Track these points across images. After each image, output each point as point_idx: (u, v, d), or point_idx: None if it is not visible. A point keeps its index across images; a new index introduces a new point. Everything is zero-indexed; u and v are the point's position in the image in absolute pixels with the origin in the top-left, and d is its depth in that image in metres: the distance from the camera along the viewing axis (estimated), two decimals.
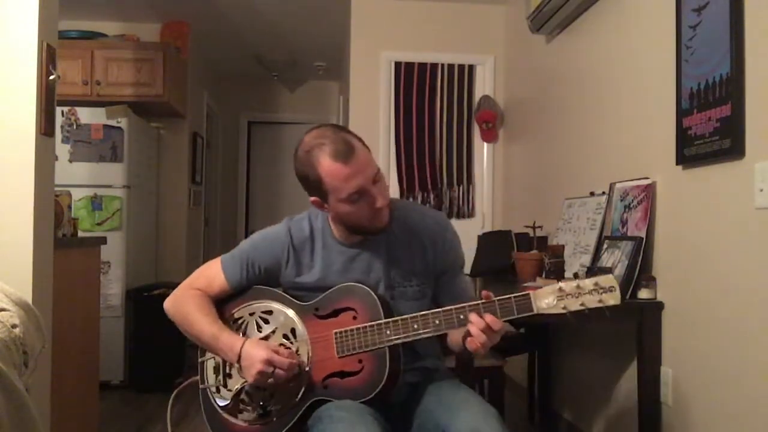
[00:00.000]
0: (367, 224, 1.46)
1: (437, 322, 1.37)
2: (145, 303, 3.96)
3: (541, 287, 1.33)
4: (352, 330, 1.42)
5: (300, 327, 1.48)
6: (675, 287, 2.16)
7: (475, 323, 1.31)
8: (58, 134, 3.59)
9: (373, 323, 1.41)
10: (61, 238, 2.54)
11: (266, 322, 1.52)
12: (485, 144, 4.24)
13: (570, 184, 3.04)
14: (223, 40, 5.16)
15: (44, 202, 2.27)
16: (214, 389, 1.55)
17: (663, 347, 2.20)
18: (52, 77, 2.27)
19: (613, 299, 1.27)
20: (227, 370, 1.53)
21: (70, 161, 3.90)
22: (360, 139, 1.44)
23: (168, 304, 1.61)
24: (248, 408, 1.49)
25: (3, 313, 1.53)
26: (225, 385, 1.53)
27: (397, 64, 4.17)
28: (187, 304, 1.56)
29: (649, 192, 2.27)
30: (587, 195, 2.75)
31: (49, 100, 2.27)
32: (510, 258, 2.94)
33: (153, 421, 3.30)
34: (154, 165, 4.64)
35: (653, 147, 2.31)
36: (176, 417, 3.36)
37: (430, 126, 4.20)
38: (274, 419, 1.46)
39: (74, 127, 3.92)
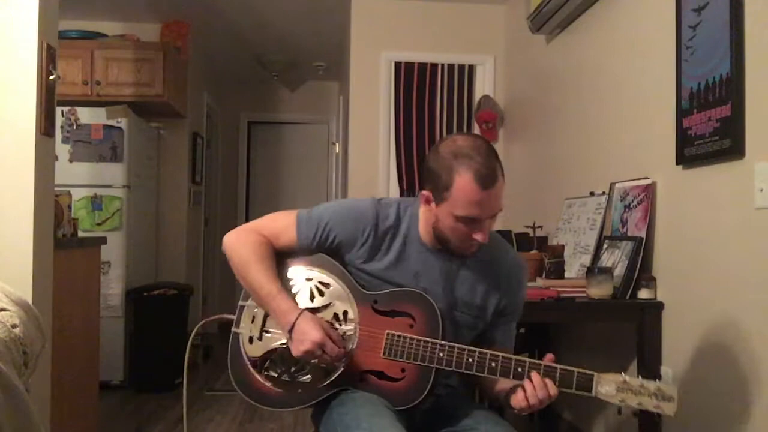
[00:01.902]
0: (455, 245, 1.43)
1: (493, 365, 1.34)
2: (145, 303, 3.96)
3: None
4: (406, 337, 1.39)
5: (353, 313, 1.45)
6: (675, 287, 2.16)
7: (535, 383, 1.29)
8: (58, 134, 3.60)
9: (429, 340, 1.38)
10: (61, 238, 2.54)
11: (321, 294, 1.47)
12: None
13: (570, 184, 3.04)
14: (223, 40, 5.16)
15: (44, 202, 2.27)
16: (246, 339, 1.50)
17: (663, 347, 2.20)
18: (52, 77, 2.27)
19: (669, 410, 1.27)
20: (266, 326, 1.49)
21: (70, 161, 3.90)
22: (503, 172, 1.38)
23: (228, 241, 1.52)
24: (276, 370, 1.46)
25: (3, 313, 1.53)
26: (260, 339, 1.49)
27: (397, 64, 4.17)
28: (249, 249, 1.48)
29: (649, 192, 2.27)
30: (587, 195, 2.75)
31: (49, 100, 2.27)
32: None
33: (153, 421, 3.30)
34: (154, 165, 4.64)
35: (653, 147, 2.31)
36: (176, 415, 3.36)
37: (430, 126, 4.20)
38: (298, 390, 1.44)
39: (74, 127, 3.92)
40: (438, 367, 1.37)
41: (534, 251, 2.78)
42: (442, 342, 1.38)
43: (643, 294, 2.21)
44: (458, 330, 1.48)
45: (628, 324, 2.34)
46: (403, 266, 1.48)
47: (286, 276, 1.51)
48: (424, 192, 1.43)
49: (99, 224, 3.91)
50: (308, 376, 1.44)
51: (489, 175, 1.33)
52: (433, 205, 1.41)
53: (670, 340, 2.18)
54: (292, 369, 1.44)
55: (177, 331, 4.04)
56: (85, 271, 2.81)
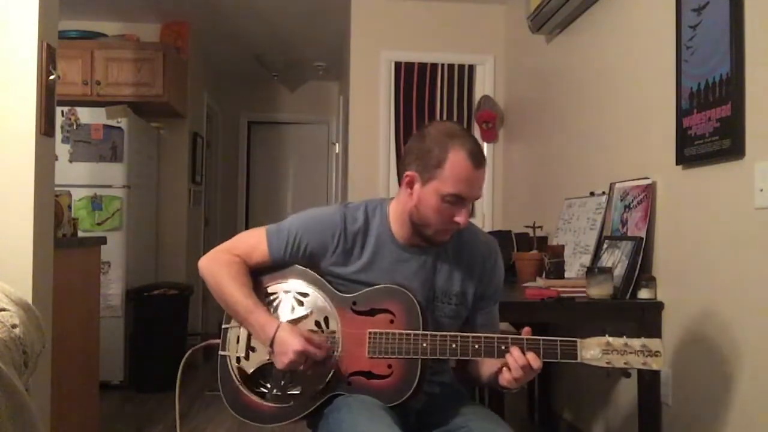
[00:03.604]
0: (433, 228, 1.43)
1: (476, 347, 1.36)
2: (145, 303, 3.96)
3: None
4: (388, 333, 1.39)
5: (334, 317, 1.45)
6: (675, 287, 2.16)
7: (516, 358, 1.31)
8: (58, 134, 3.59)
9: (410, 332, 1.38)
10: (61, 238, 2.54)
11: (300, 304, 1.48)
12: (485, 144, 4.23)
13: (570, 184, 3.04)
14: (223, 40, 5.16)
15: (44, 202, 2.27)
16: (234, 359, 1.51)
17: (663, 347, 2.20)
18: (52, 77, 2.27)
19: (656, 364, 1.28)
20: (251, 344, 1.49)
21: (70, 161, 3.89)
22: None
23: (203, 264, 1.55)
24: (267, 386, 1.46)
25: (3, 313, 1.53)
26: (246, 358, 1.49)
27: (397, 64, 4.17)
28: (222, 270, 1.50)
29: (649, 192, 2.27)
30: (587, 195, 2.75)
31: (49, 100, 2.27)
32: (510, 258, 2.94)
33: (153, 421, 3.30)
34: (154, 165, 4.64)
35: (653, 147, 2.31)
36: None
37: None
38: (291, 403, 1.44)
39: (74, 127, 3.92)
40: (423, 357, 1.37)
41: (534, 251, 2.78)
42: (424, 332, 1.38)
43: (643, 294, 2.21)
44: (441, 321, 1.49)
45: (628, 324, 2.34)
46: (378, 266, 1.49)
47: (267, 291, 1.52)
48: (409, 173, 1.43)
49: (99, 224, 3.91)
50: (299, 387, 1.44)
51: (480, 155, 1.40)
52: (417, 186, 1.42)
53: (670, 340, 2.18)
54: (282, 382, 1.44)
55: (177, 331, 4.04)
56: (85, 271, 2.81)
